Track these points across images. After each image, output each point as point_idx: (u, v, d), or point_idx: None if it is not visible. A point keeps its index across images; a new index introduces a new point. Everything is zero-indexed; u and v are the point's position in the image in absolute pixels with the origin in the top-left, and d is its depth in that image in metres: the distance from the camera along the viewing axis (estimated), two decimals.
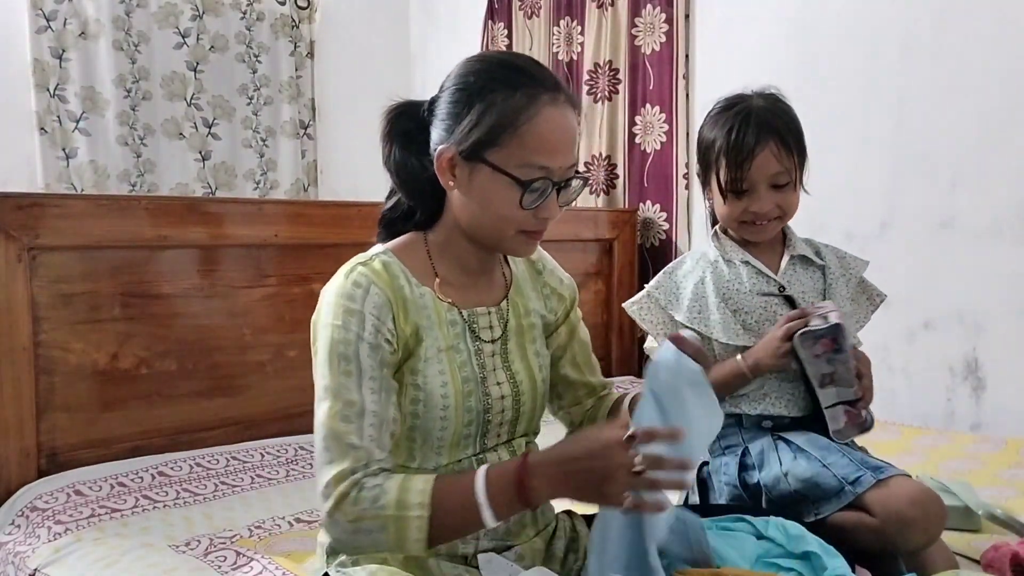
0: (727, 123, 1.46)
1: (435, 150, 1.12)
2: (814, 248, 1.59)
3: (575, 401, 1.33)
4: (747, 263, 1.52)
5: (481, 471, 1.02)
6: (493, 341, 1.19)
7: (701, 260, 1.55)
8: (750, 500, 1.44)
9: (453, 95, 1.11)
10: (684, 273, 1.55)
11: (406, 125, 1.17)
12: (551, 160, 1.09)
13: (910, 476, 1.39)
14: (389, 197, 1.24)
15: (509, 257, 1.27)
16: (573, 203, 1.19)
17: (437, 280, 1.17)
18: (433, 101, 1.15)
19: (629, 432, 0.96)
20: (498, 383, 1.17)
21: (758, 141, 1.42)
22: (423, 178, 1.15)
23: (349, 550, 1.09)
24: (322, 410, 1.07)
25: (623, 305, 1.63)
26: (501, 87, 1.08)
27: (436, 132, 1.13)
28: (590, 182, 3.35)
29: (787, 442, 1.45)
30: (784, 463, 1.42)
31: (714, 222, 1.61)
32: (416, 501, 1.01)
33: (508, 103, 1.07)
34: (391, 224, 1.23)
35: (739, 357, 1.45)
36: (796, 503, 1.38)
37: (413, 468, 1.14)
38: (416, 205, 1.20)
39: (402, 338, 1.11)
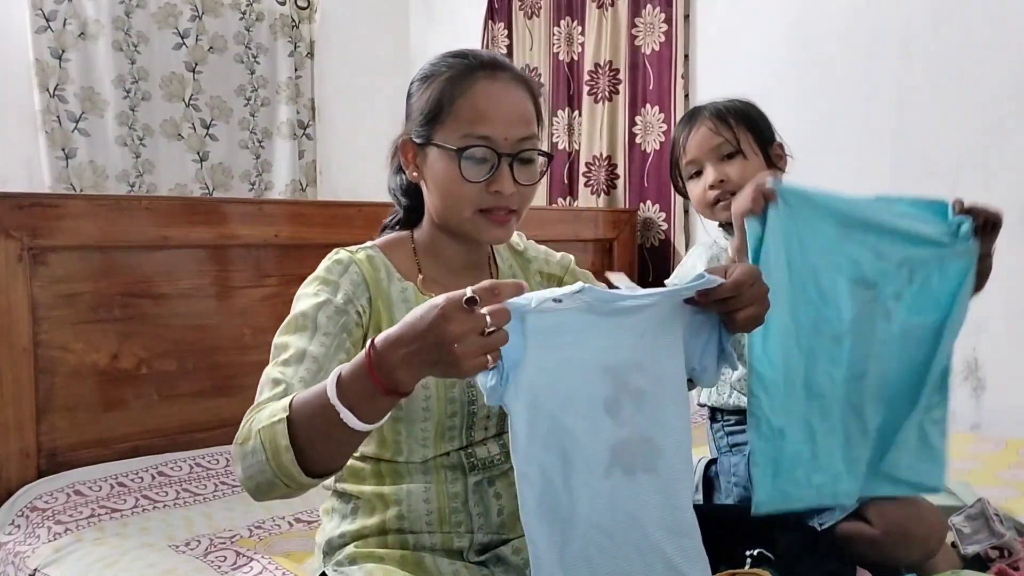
0: (678, 123, 1.56)
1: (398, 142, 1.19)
2: None
3: None
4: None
5: (337, 368, 0.91)
6: None
7: (713, 246, 1.56)
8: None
9: (409, 89, 1.19)
10: (697, 255, 1.56)
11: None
12: (488, 129, 1.10)
13: None
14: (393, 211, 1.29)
15: (496, 254, 1.28)
16: (538, 181, 1.16)
17: (420, 276, 1.19)
18: None
19: (468, 295, 0.83)
20: None
21: (693, 121, 1.50)
22: (412, 184, 1.21)
23: (249, 491, 1.01)
24: (271, 360, 1.08)
25: None
26: (444, 72, 1.14)
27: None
28: (590, 182, 3.35)
29: None
30: None
31: None
32: (282, 406, 0.95)
33: (445, 80, 1.13)
34: (389, 228, 1.28)
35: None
36: (802, 511, 1.38)
37: (401, 462, 1.14)
38: (403, 204, 1.25)
39: (374, 320, 1.12)
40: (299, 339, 1.07)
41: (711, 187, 1.47)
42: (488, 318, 0.84)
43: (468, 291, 0.84)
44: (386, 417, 0.93)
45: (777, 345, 1.18)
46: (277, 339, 1.10)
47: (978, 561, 1.40)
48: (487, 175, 1.10)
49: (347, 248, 1.18)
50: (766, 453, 1.18)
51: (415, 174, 1.18)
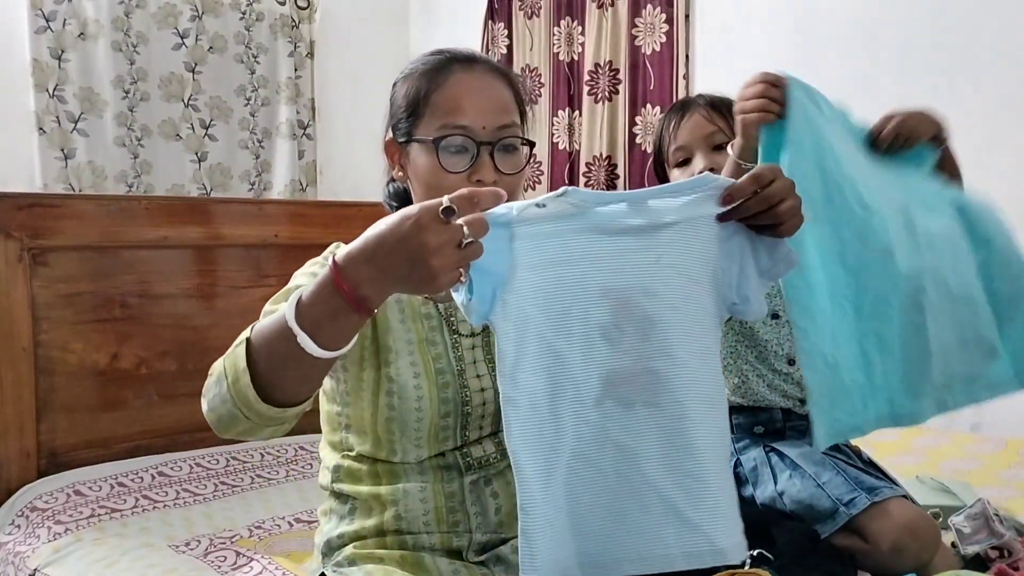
0: (667, 113, 1.55)
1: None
2: None
3: None
4: None
5: (297, 291, 0.87)
6: (473, 334, 1.18)
7: None
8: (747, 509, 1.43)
9: (391, 90, 1.19)
10: None
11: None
12: (465, 118, 1.10)
13: (906, 496, 1.38)
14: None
15: None
16: (522, 169, 1.14)
17: None
18: None
19: (444, 204, 0.79)
20: (478, 375, 1.17)
21: (685, 109, 1.50)
22: (404, 190, 1.22)
23: (213, 424, 0.96)
24: None
25: None
26: (421, 70, 1.14)
27: None
28: (590, 182, 3.35)
29: (781, 455, 1.44)
30: (779, 482, 1.41)
31: None
32: (246, 333, 0.92)
33: (420, 76, 1.13)
34: None
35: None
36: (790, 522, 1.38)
37: (397, 462, 1.14)
38: (395, 206, 1.25)
39: None
40: (280, 307, 1.07)
41: (699, 173, 1.47)
42: (465, 228, 0.79)
43: (445, 200, 0.79)
44: (350, 344, 0.87)
45: (819, 267, 1.07)
46: (267, 307, 1.09)
47: (978, 561, 1.40)
48: (468, 165, 1.09)
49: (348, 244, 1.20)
50: (821, 388, 1.08)
51: (400, 174, 1.18)
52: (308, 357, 0.85)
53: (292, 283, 1.14)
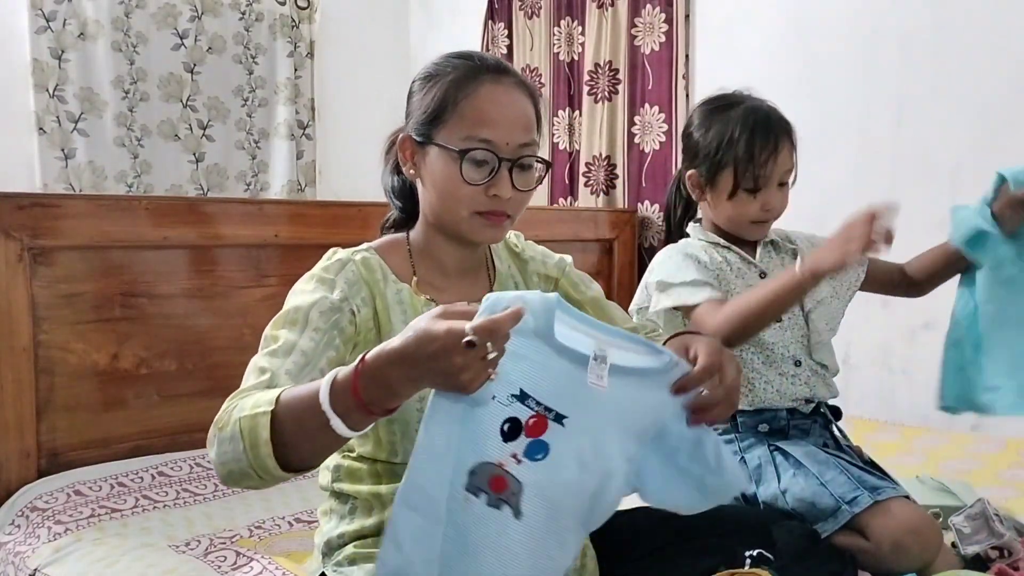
0: (745, 122, 1.47)
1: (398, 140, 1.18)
2: (783, 235, 1.61)
3: None
4: (728, 248, 1.54)
5: (332, 372, 0.90)
6: None
7: (687, 247, 1.54)
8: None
9: (412, 87, 1.19)
10: (676, 261, 1.51)
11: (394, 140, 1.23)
12: (491, 132, 1.10)
13: (908, 497, 1.38)
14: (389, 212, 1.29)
15: (494, 255, 1.28)
16: (534, 187, 1.17)
17: (415, 279, 1.18)
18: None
19: (467, 338, 0.81)
20: None
21: (779, 139, 1.47)
22: (408, 185, 1.22)
23: (220, 477, 0.98)
24: (253, 358, 1.07)
25: (630, 310, 1.56)
26: (449, 72, 1.14)
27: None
28: (590, 182, 3.35)
29: (785, 454, 1.44)
30: (782, 481, 1.41)
31: (683, 220, 1.62)
32: (267, 399, 0.93)
33: (450, 81, 1.12)
34: (387, 229, 1.28)
35: (795, 267, 1.32)
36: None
37: (398, 463, 1.14)
38: (399, 205, 1.25)
39: (367, 320, 1.12)
40: (289, 332, 1.07)
41: (765, 209, 1.48)
42: (488, 344, 0.82)
43: (468, 331, 0.81)
44: (374, 423, 0.92)
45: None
46: (268, 331, 1.10)
47: (978, 561, 1.40)
48: (487, 178, 1.11)
49: (345, 249, 1.19)
50: (954, 361, 1.46)
51: (412, 172, 1.18)
52: (334, 434, 0.88)
53: (290, 302, 1.12)
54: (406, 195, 1.24)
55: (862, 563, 1.30)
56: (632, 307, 1.55)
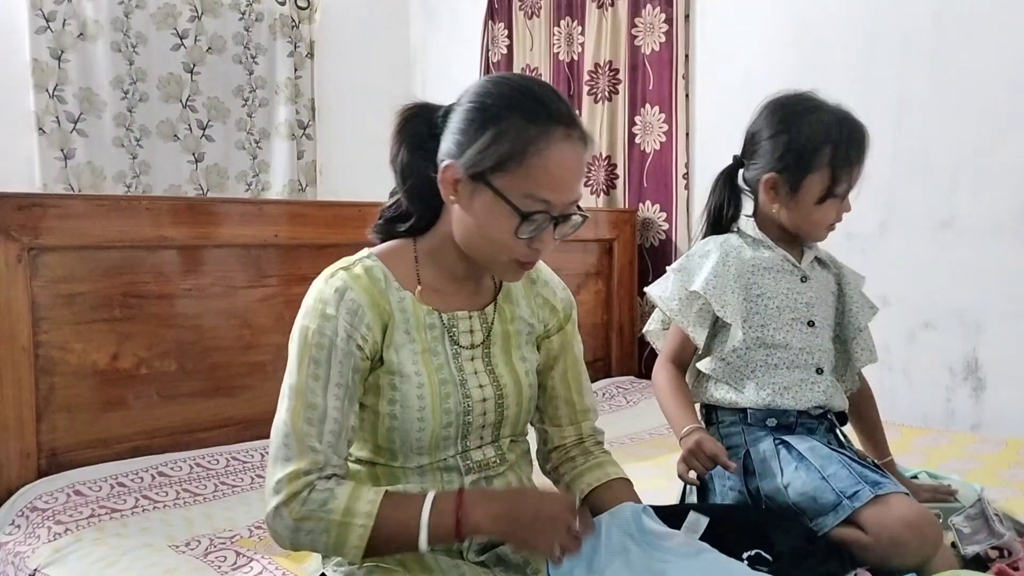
0: (841, 128, 1.46)
1: (442, 161, 1.12)
2: (826, 255, 1.62)
3: (555, 421, 1.31)
4: (770, 248, 1.54)
5: (430, 496, 1.04)
6: (473, 346, 1.18)
7: (724, 243, 1.54)
8: (753, 504, 1.43)
9: (469, 112, 1.10)
10: (704, 253, 1.54)
11: (418, 127, 1.16)
12: (554, 195, 1.08)
13: (908, 494, 1.38)
14: (391, 196, 1.23)
15: None
16: (569, 236, 1.18)
17: (419, 287, 1.17)
18: (448, 111, 1.14)
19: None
20: (480, 386, 1.17)
21: (863, 151, 1.47)
22: (426, 183, 1.14)
23: (286, 547, 1.08)
24: (284, 407, 1.09)
25: (645, 289, 1.63)
26: (517, 115, 1.07)
27: (446, 143, 1.12)
28: (590, 182, 3.35)
29: (789, 448, 1.44)
30: (785, 474, 1.41)
31: (717, 222, 1.60)
32: (364, 511, 1.03)
33: (521, 133, 1.06)
34: (388, 223, 1.22)
35: (692, 424, 1.44)
36: (795, 515, 1.38)
37: (397, 466, 1.14)
38: (415, 209, 1.18)
39: (375, 342, 1.11)
40: (313, 388, 1.08)
41: (844, 213, 1.49)
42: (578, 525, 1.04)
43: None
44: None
45: None
46: (289, 377, 1.10)
47: (978, 561, 1.40)
48: (536, 234, 1.10)
49: (344, 267, 1.15)
50: None
51: (452, 199, 1.12)
52: (415, 546, 1.04)
53: (302, 344, 1.11)
54: (426, 198, 1.17)
55: (862, 558, 1.30)
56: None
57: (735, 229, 1.58)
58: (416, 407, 1.12)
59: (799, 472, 1.39)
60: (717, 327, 1.51)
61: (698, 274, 1.51)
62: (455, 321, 1.18)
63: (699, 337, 1.49)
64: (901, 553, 1.28)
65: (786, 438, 1.46)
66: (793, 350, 1.49)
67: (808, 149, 1.45)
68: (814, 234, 1.53)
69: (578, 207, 1.15)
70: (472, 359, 1.18)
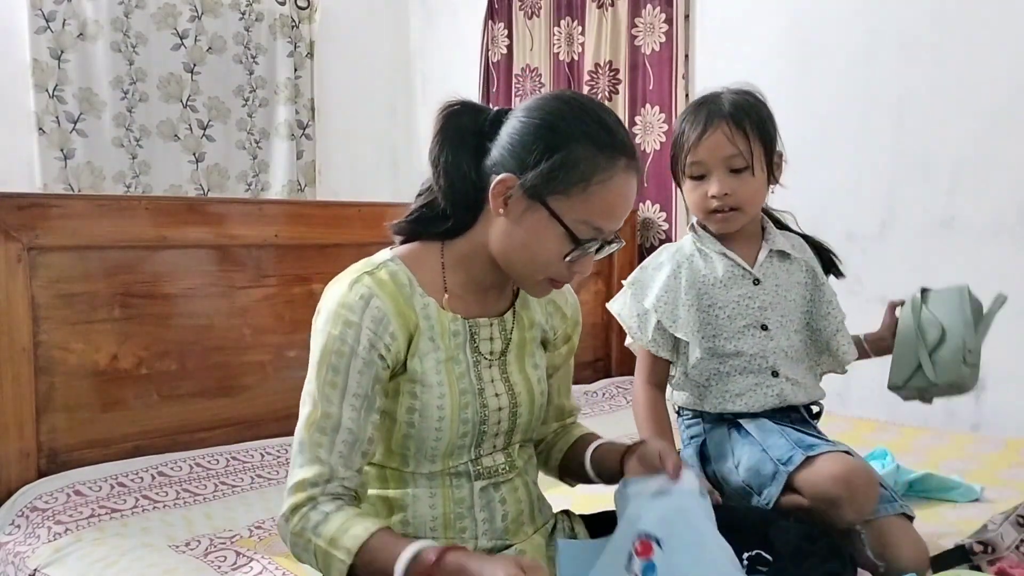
0: (686, 110, 1.50)
1: (493, 170, 1.10)
2: (799, 244, 1.57)
3: (543, 420, 1.32)
4: (723, 255, 1.51)
5: (413, 547, 0.99)
6: (492, 353, 1.18)
7: (677, 253, 1.53)
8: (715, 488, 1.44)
9: (534, 129, 1.08)
10: (657, 265, 1.54)
11: (463, 127, 1.13)
12: (608, 223, 1.10)
13: (848, 452, 1.36)
14: (422, 195, 1.19)
15: None
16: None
17: (446, 295, 1.15)
18: (500, 118, 1.13)
19: None
20: (496, 394, 1.17)
21: (710, 122, 1.44)
22: (471, 187, 1.12)
23: (289, 549, 1.11)
24: (304, 413, 1.09)
25: (607, 305, 1.63)
26: (588, 143, 1.07)
27: (499, 152, 1.10)
28: None
29: (739, 429, 1.46)
30: (736, 454, 1.43)
31: None
32: (346, 546, 1.02)
33: (590, 162, 1.07)
34: (417, 223, 1.18)
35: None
36: (748, 494, 1.39)
37: (408, 472, 1.14)
38: (454, 212, 1.14)
39: (398, 351, 1.10)
40: (330, 396, 1.07)
41: (713, 197, 1.45)
42: None
43: None
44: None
45: None
46: (309, 383, 1.09)
47: (960, 553, 1.39)
48: (581, 257, 1.11)
49: (368, 271, 1.12)
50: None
51: (501, 210, 1.10)
52: None
53: (323, 351, 1.09)
54: (468, 200, 1.13)
55: (807, 521, 1.29)
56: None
57: (695, 227, 1.57)
58: (435, 416, 1.11)
59: (744, 448, 1.42)
60: (678, 338, 1.49)
61: (651, 288, 1.51)
62: (477, 327, 1.17)
63: (663, 353, 1.50)
64: (835, 510, 1.28)
65: (740, 421, 1.47)
66: (746, 356, 1.47)
67: (673, 138, 1.52)
68: (707, 224, 1.52)
69: (619, 238, 1.15)
70: (490, 367, 1.17)
